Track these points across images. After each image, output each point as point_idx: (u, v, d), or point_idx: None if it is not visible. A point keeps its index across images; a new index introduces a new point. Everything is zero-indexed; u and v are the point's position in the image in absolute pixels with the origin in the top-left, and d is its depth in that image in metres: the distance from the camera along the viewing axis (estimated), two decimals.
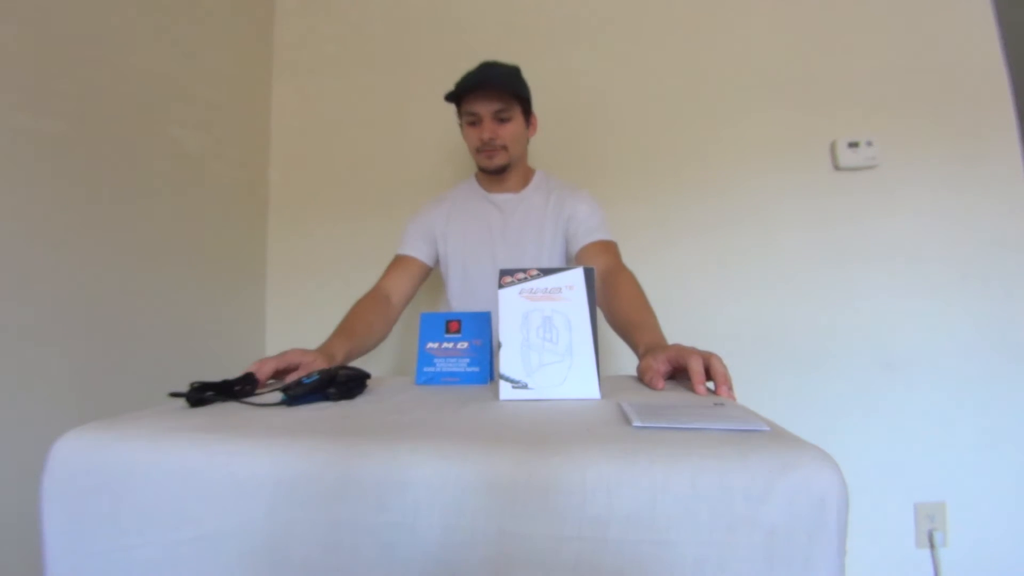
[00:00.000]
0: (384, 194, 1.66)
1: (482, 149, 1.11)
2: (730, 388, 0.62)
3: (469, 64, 1.15)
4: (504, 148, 1.11)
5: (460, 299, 1.18)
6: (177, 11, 1.34)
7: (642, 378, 0.71)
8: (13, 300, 0.94)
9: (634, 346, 0.83)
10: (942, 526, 1.34)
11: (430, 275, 1.21)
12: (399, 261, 1.16)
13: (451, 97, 1.12)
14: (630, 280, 0.98)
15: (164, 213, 1.29)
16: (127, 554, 0.43)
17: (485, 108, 1.09)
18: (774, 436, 0.41)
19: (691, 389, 0.63)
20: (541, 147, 1.46)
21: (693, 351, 0.66)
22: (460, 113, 1.15)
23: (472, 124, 1.12)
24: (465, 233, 1.17)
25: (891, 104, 1.48)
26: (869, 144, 1.46)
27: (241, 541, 0.42)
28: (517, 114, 1.12)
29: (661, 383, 0.66)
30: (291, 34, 1.76)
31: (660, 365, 0.68)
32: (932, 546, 1.33)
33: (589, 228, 1.10)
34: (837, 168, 1.49)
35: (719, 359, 0.64)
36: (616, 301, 0.94)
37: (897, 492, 1.37)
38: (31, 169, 0.97)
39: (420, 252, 1.17)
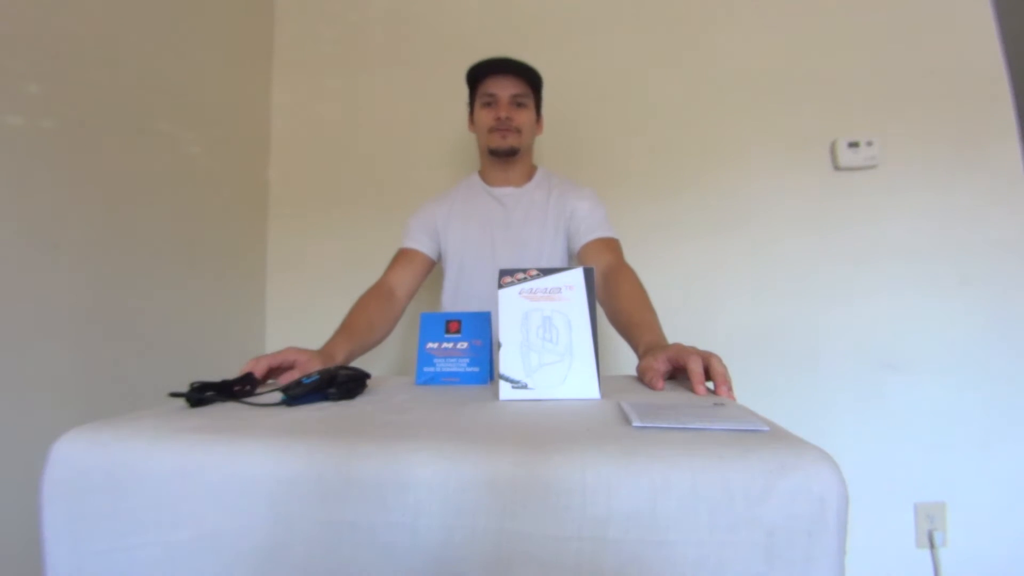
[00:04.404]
0: (384, 194, 1.66)
1: (496, 128, 1.12)
2: (729, 388, 0.62)
3: (470, 63, 1.15)
4: (518, 131, 1.13)
5: (454, 294, 1.17)
6: (177, 11, 1.34)
7: (642, 378, 0.71)
8: (13, 300, 0.94)
9: (634, 345, 0.83)
10: (942, 526, 1.34)
11: (433, 269, 1.21)
12: (403, 255, 1.15)
13: (470, 77, 1.15)
14: (632, 278, 0.98)
15: (164, 213, 1.29)
16: (127, 554, 0.43)
17: (505, 90, 1.12)
18: (774, 436, 0.41)
19: (691, 389, 0.63)
20: (543, 148, 1.46)
21: (693, 351, 0.66)
22: (474, 97, 1.17)
23: (488, 105, 1.14)
24: (465, 227, 1.17)
25: (891, 104, 1.48)
26: (869, 144, 1.46)
27: (241, 541, 0.42)
28: (531, 104, 1.16)
29: (661, 383, 0.66)
30: (291, 34, 1.76)
31: (660, 365, 0.68)
32: (932, 546, 1.33)
33: (590, 225, 1.10)
34: (837, 168, 1.49)
35: (718, 359, 0.64)
36: (617, 299, 0.94)
37: (897, 492, 1.37)
38: (30, 169, 0.97)
39: (423, 245, 1.16)
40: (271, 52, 1.76)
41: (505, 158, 1.15)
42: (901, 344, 1.42)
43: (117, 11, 1.16)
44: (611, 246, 1.08)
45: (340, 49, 1.73)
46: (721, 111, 1.55)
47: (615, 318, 0.94)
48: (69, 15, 1.05)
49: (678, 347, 0.69)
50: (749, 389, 0.81)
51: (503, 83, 1.12)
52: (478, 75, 1.14)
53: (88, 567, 0.44)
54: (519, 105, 1.13)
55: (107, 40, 1.14)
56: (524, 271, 0.66)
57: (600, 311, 1.05)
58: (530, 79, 1.14)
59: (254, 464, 0.43)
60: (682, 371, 0.66)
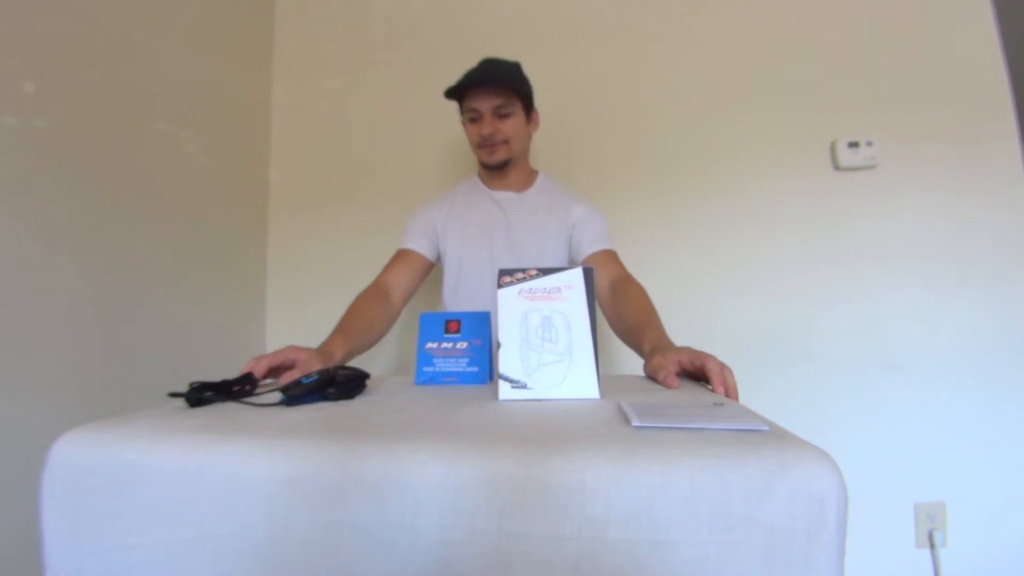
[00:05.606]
0: (384, 194, 1.66)
1: (482, 145, 1.12)
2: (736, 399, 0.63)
3: (469, 63, 1.15)
4: (505, 143, 1.12)
5: (453, 295, 1.17)
6: (176, 10, 1.34)
7: (655, 375, 0.71)
8: (13, 300, 0.94)
9: (639, 344, 0.84)
10: (942, 526, 1.34)
11: (431, 271, 1.21)
12: (400, 255, 1.15)
13: (452, 94, 1.13)
14: (638, 288, 1.00)
15: (164, 213, 1.29)
16: (127, 554, 0.43)
17: (485, 104, 1.09)
18: (773, 436, 0.41)
19: (695, 390, 0.64)
20: (542, 148, 1.46)
21: (710, 355, 0.68)
22: (462, 110, 1.16)
23: (473, 120, 1.13)
24: (464, 229, 1.17)
25: (891, 104, 1.48)
26: (869, 144, 1.45)
27: (240, 541, 0.42)
28: (518, 109, 1.13)
29: (676, 381, 0.67)
30: (291, 34, 1.76)
31: (671, 365, 0.69)
32: (932, 546, 1.33)
33: (596, 235, 1.12)
34: (837, 168, 1.48)
35: (731, 371, 0.66)
36: (625, 305, 0.96)
37: (897, 492, 1.37)
38: (30, 169, 0.97)
39: (421, 246, 1.16)
40: (271, 52, 1.76)
41: (498, 170, 1.16)
42: (901, 344, 1.41)
43: (116, 10, 1.16)
44: (615, 258, 1.10)
45: (340, 49, 1.73)
46: (721, 111, 1.55)
47: (620, 323, 0.95)
48: (67, 13, 1.05)
49: (690, 350, 0.70)
50: (749, 389, 0.81)
51: (483, 97, 1.09)
52: (459, 90, 1.11)
53: (88, 567, 0.44)
54: (502, 116, 1.10)
55: (105, 39, 1.14)
56: (523, 271, 0.66)
57: (602, 318, 1.06)
58: (511, 84, 1.10)
59: (253, 464, 0.43)
60: (698, 372, 0.68)
